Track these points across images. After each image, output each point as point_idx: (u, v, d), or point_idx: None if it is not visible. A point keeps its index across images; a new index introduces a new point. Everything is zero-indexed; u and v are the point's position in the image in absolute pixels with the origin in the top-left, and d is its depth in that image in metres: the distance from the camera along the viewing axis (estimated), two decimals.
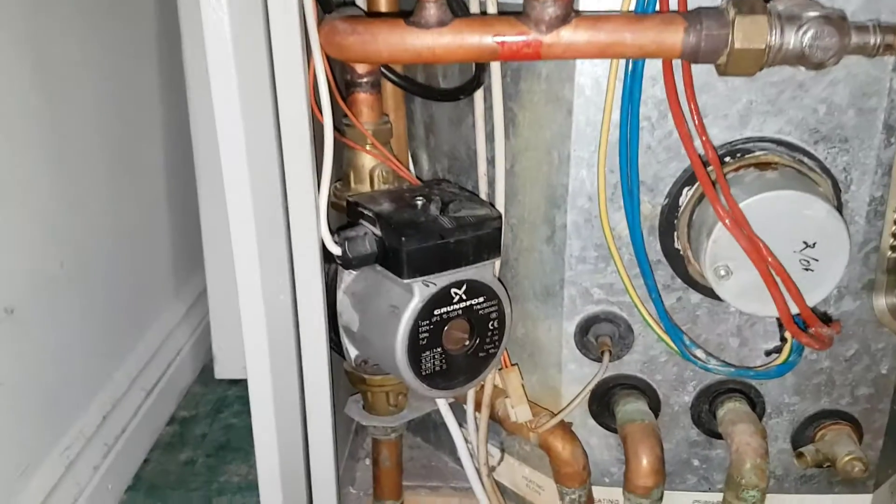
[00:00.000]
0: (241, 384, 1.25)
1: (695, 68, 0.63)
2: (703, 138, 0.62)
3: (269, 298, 0.65)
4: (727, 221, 0.60)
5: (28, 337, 0.86)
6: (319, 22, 0.65)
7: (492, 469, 0.87)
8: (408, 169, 0.78)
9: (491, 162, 0.74)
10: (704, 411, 0.77)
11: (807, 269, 0.63)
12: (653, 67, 0.64)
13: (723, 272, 0.63)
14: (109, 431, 1.03)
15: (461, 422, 0.85)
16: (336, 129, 0.68)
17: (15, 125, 0.84)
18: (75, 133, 0.96)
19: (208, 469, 1.09)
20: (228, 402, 1.25)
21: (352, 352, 0.74)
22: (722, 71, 0.60)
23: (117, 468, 1.02)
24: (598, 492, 0.80)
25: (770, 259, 0.61)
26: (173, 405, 1.22)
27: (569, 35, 0.58)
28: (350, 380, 0.80)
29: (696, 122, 0.62)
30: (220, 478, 1.07)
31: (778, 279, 0.61)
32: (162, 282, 1.25)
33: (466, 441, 0.85)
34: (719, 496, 0.79)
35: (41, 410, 0.89)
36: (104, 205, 1.04)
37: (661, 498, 0.73)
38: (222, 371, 1.29)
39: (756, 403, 0.76)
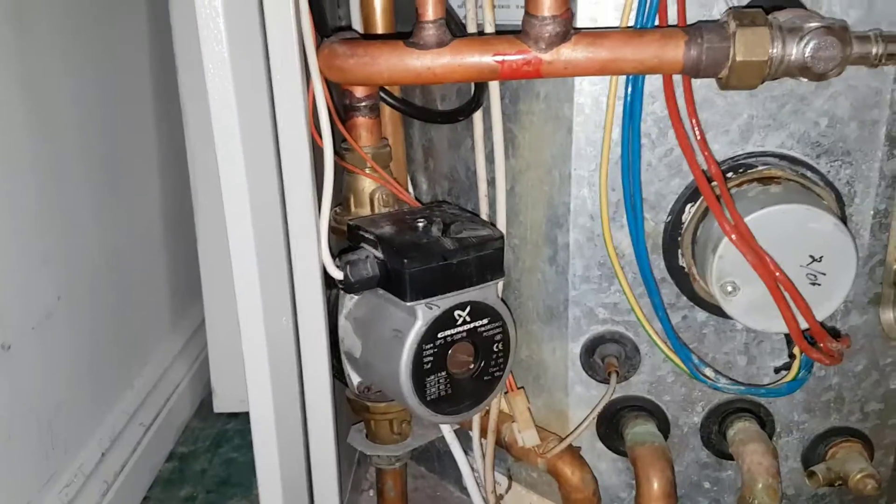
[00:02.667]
0: (241, 418, 1.24)
1: (694, 84, 0.63)
2: (706, 153, 0.62)
3: (271, 325, 0.64)
4: (733, 236, 0.59)
5: (25, 373, 0.85)
6: (317, 46, 0.65)
7: (499, 497, 0.85)
8: (407, 192, 0.77)
9: (491, 183, 0.73)
10: (714, 432, 0.76)
11: (814, 284, 0.63)
12: (651, 85, 0.64)
13: (730, 288, 0.62)
14: (108, 468, 1.01)
15: (466, 449, 0.83)
16: (335, 153, 0.67)
17: (6, 156, 0.83)
18: (68, 163, 0.96)
19: None
20: (228, 437, 1.23)
21: (354, 378, 0.73)
22: (724, 84, 0.59)
23: None
24: None
25: (778, 273, 0.60)
26: (172, 441, 1.20)
27: (569, 52, 0.58)
28: (352, 408, 0.79)
29: (699, 137, 0.62)
30: None
31: (786, 294, 0.61)
32: (159, 315, 1.24)
33: (472, 469, 0.83)
34: None
35: (39, 448, 0.87)
36: (99, 236, 1.03)
37: None
38: (221, 404, 1.27)
39: (766, 422, 0.75)
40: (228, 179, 0.60)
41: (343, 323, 0.72)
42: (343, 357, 0.72)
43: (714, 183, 0.62)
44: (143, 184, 1.18)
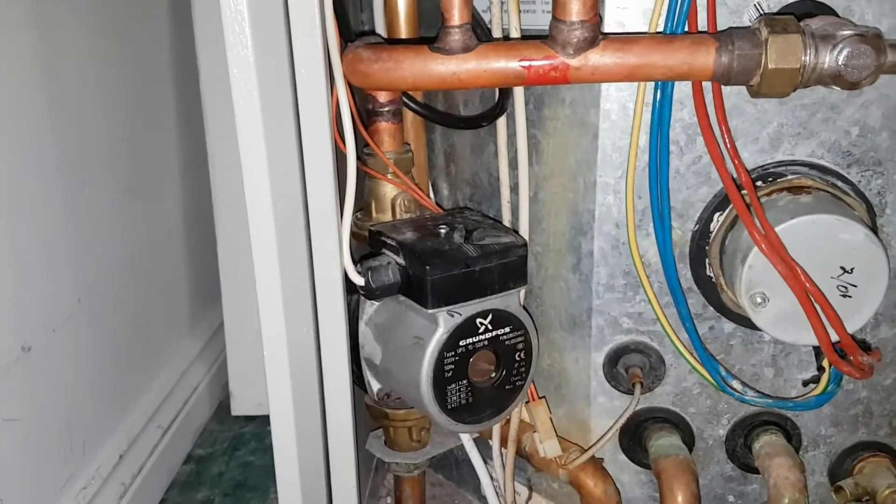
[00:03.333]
0: (258, 421, 1.23)
1: (723, 91, 0.62)
2: (736, 161, 0.61)
3: (292, 331, 0.64)
4: (763, 246, 0.58)
5: (44, 375, 0.85)
6: (342, 51, 0.64)
7: None
8: (428, 198, 0.77)
9: (514, 189, 0.73)
10: (739, 445, 0.74)
11: (844, 296, 0.61)
12: (679, 91, 0.63)
13: (759, 299, 0.61)
14: (126, 471, 1.00)
15: (486, 457, 0.82)
16: (357, 158, 0.67)
17: (28, 158, 0.83)
18: (89, 165, 0.96)
19: None
20: (245, 440, 1.23)
21: (374, 385, 0.72)
22: (755, 92, 0.58)
23: None
24: None
25: (808, 284, 0.59)
26: (190, 443, 1.20)
27: (597, 58, 0.57)
28: (371, 414, 0.78)
29: (728, 144, 0.61)
30: None
31: (817, 305, 0.59)
32: (178, 317, 1.24)
33: (492, 478, 0.82)
34: None
35: (57, 450, 0.87)
36: (120, 239, 1.03)
37: None
38: (239, 407, 1.27)
39: (792, 436, 0.74)
40: (252, 184, 0.60)
41: (363, 329, 0.71)
42: (363, 363, 0.72)
43: (744, 191, 0.61)
44: (164, 186, 1.18)
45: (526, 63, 0.58)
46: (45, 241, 0.86)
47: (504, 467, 0.79)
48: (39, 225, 0.85)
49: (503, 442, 0.78)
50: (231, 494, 1.10)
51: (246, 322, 1.20)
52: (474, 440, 0.81)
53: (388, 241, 0.67)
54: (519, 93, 0.68)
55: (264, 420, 0.71)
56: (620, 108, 0.65)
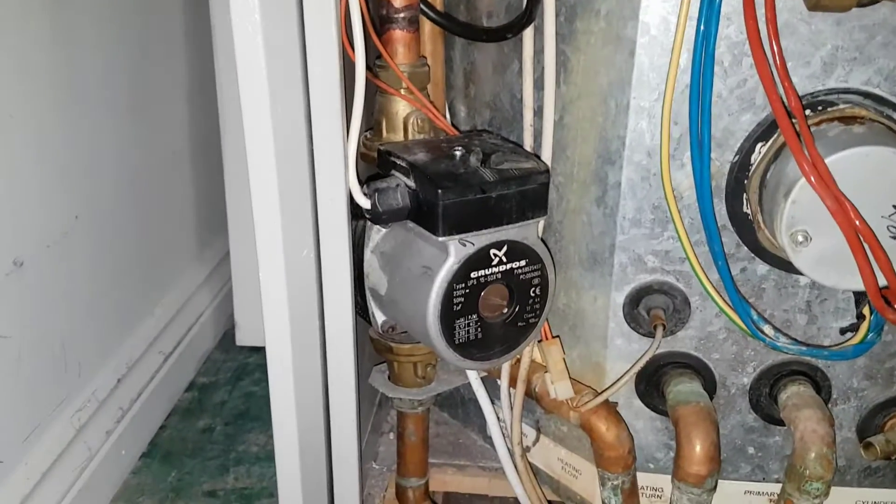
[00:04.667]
0: (263, 351, 1.19)
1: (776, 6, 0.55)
2: (786, 84, 0.54)
3: (291, 255, 0.59)
4: (812, 178, 0.52)
5: (37, 292, 0.81)
6: None
7: (526, 449, 0.81)
8: (446, 121, 0.71)
9: (538, 112, 0.67)
10: (764, 394, 0.70)
11: (895, 237, 0.56)
12: (727, 5, 0.57)
13: (801, 238, 0.56)
14: (124, 395, 0.98)
15: (493, 398, 0.79)
16: (368, 69, 0.61)
17: (29, 72, 0.78)
18: (91, 80, 0.91)
19: (226, 437, 1.05)
20: (249, 370, 1.21)
21: (379, 317, 0.68)
22: (813, 4, 0.52)
23: (132, 434, 0.98)
24: (641, 478, 0.74)
25: (858, 222, 0.53)
26: (192, 371, 1.18)
27: None
28: (375, 348, 0.74)
29: (779, 66, 0.55)
30: (239, 447, 1.03)
31: (866, 246, 0.54)
32: (183, 243, 1.20)
33: (498, 419, 0.79)
34: (774, 487, 0.73)
35: (50, 370, 0.85)
36: (122, 156, 0.99)
37: (714, 487, 0.67)
38: (244, 338, 1.25)
39: (822, 387, 0.69)
40: (249, 94, 0.54)
41: (369, 257, 0.66)
42: (367, 293, 0.68)
43: (793, 119, 0.55)
44: (169, 107, 1.13)
45: None
46: (39, 152, 0.81)
47: (512, 408, 0.76)
48: (33, 134, 0.80)
49: (512, 382, 0.74)
50: (232, 423, 1.08)
51: (252, 251, 1.16)
52: (482, 379, 0.78)
53: (398, 162, 0.62)
54: (549, 2, 0.62)
55: None
56: (661, 21, 0.59)
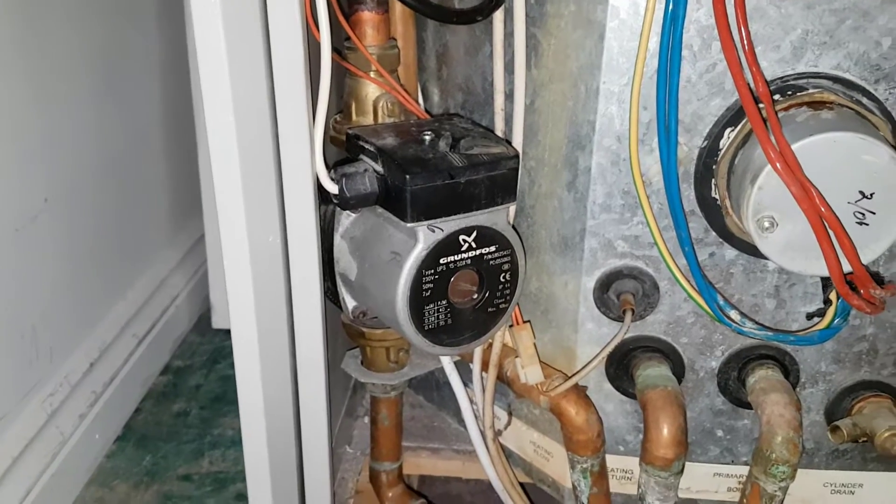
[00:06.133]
0: None
1: None
2: (754, 68, 0.54)
3: (256, 240, 0.59)
4: (777, 165, 0.52)
5: (6, 276, 0.80)
6: None
7: (498, 433, 0.81)
8: (417, 105, 0.70)
9: (509, 96, 0.66)
10: (733, 378, 0.70)
11: (861, 223, 0.56)
12: None
13: (767, 224, 0.56)
14: (97, 379, 0.98)
15: (466, 381, 0.79)
16: (336, 51, 0.60)
17: None
18: (60, 59, 0.89)
19: (202, 421, 1.05)
20: (225, 353, 1.20)
21: (349, 302, 0.68)
22: None
23: (105, 417, 0.97)
24: (611, 461, 0.74)
25: (823, 209, 0.53)
26: (167, 354, 1.17)
27: None
28: (348, 333, 0.74)
29: (747, 50, 0.54)
30: (214, 430, 1.03)
31: (830, 232, 0.54)
32: (157, 225, 1.19)
33: (471, 402, 0.79)
34: (742, 469, 0.74)
35: (21, 354, 0.84)
36: (93, 137, 0.97)
37: (681, 471, 0.67)
38: (219, 320, 1.24)
39: (790, 371, 0.70)
40: (209, 76, 0.53)
41: (338, 242, 0.66)
42: (338, 279, 0.67)
43: (761, 104, 0.55)
44: (142, 87, 1.11)
45: None
46: (5, 134, 0.80)
47: (484, 392, 0.76)
48: (1, 117, 0.79)
49: (484, 366, 0.74)
50: (208, 407, 1.08)
51: None
52: (455, 363, 0.78)
53: (367, 147, 0.61)
54: None
55: None
56: (630, 4, 0.58)
